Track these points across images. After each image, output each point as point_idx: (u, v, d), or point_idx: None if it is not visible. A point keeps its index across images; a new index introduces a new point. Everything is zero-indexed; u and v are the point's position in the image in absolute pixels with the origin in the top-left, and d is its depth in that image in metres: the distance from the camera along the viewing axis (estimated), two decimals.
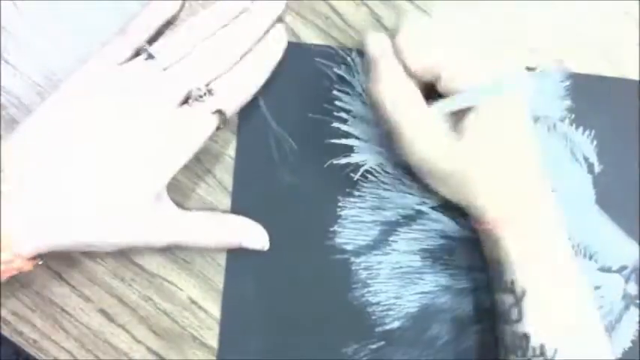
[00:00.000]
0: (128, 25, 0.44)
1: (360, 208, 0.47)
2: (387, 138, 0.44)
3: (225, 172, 0.47)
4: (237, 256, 0.46)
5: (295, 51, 0.46)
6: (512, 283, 0.40)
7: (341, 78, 0.46)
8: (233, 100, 0.43)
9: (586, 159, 0.48)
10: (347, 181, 0.46)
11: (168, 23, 0.46)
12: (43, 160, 0.40)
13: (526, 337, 0.40)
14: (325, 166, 0.46)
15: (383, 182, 0.47)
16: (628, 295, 0.47)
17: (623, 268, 0.47)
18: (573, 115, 0.48)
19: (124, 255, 0.46)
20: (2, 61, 0.46)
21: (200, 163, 0.46)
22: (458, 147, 0.39)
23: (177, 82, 0.42)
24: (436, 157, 0.40)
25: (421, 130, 0.40)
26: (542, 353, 0.39)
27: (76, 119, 0.40)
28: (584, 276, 0.41)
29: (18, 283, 0.45)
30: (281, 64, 0.46)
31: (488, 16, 0.48)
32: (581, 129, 0.48)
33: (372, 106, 0.41)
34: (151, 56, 0.42)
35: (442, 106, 0.40)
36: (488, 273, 0.43)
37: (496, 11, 0.48)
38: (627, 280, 0.47)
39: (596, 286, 0.47)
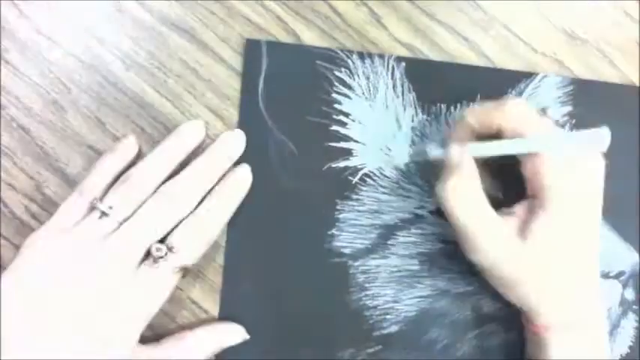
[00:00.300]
0: (84, 181, 0.43)
1: (358, 211, 0.46)
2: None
3: None
4: (235, 258, 0.46)
5: (295, 53, 0.46)
6: None
7: (341, 81, 0.46)
8: (195, 253, 0.42)
9: None
10: (345, 185, 0.46)
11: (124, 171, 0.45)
12: (11, 331, 0.39)
13: None
14: (324, 169, 0.46)
15: (381, 186, 0.46)
16: (626, 300, 0.47)
17: (621, 274, 0.47)
18: (574, 121, 0.48)
19: None
20: (2, 61, 0.45)
21: None
22: (522, 252, 0.40)
23: (134, 241, 0.41)
24: (499, 261, 0.40)
25: (487, 234, 0.40)
26: None
27: (38, 291, 0.39)
28: None
29: None
30: (280, 67, 0.46)
31: (485, 17, 0.48)
32: None
33: (438, 204, 0.41)
34: (104, 214, 0.41)
35: (483, 148, 0.41)
36: None
37: (496, 11, 0.48)
38: (625, 286, 0.47)
39: None
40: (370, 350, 0.46)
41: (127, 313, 0.40)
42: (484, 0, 0.48)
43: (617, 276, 0.47)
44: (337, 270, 0.46)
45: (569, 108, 0.48)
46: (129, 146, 0.45)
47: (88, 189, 0.42)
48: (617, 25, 0.49)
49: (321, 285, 0.46)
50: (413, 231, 0.47)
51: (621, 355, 0.48)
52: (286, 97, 0.46)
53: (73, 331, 0.39)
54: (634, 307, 0.48)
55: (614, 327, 0.47)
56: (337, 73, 0.46)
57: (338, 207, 0.46)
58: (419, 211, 0.47)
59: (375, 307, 0.47)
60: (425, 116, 0.47)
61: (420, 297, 0.47)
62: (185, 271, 0.42)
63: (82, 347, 0.39)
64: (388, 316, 0.47)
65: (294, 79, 0.46)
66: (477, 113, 0.42)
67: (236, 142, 0.45)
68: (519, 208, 0.41)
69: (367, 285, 0.46)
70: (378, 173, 0.47)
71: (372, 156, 0.46)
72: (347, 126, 0.46)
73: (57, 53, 0.46)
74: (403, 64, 0.47)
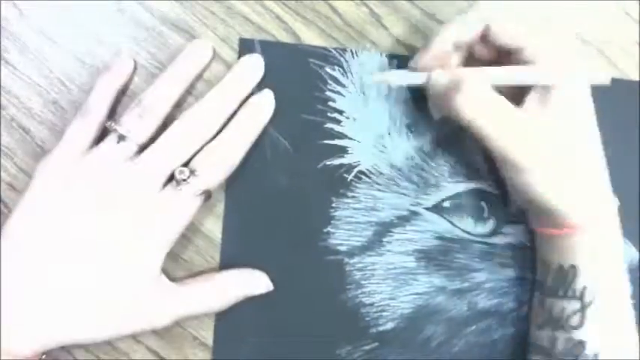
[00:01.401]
0: (86, 103, 0.43)
1: (353, 209, 0.47)
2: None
3: None
4: (231, 256, 0.46)
5: (288, 52, 0.46)
6: (584, 290, 0.41)
7: (334, 79, 0.47)
8: (217, 177, 0.43)
9: None
10: (340, 182, 0.46)
11: (124, 90, 0.46)
12: (32, 261, 0.40)
13: (582, 344, 0.40)
14: (319, 167, 0.46)
15: (377, 183, 0.47)
16: None
17: None
18: None
19: None
20: (2, 61, 0.46)
21: None
22: (554, 138, 0.40)
23: (156, 166, 0.41)
24: (542, 151, 0.40)
25: (521, 133, 0.40)
26: None
27: (58, 218, 0.40)
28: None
29: None
30: (274, 65, 0.46)
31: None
32: None
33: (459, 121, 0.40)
34: (122, 138, 0.41)
35: (498, 75, 0.41)
36: (548, 280, 0.43)
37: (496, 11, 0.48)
38: None
39: None
40: (367, 347, 0.47)
41: (151, 236, 0.41)
42: (484, 0, 0.48)
43: None
44: (333, 268, 0.46)
45: None
46: (124, 62, 0.45)
47: (93, 111, 0.43)
48: (617, 25, 0.49)
49: (318, 283, 0.46)
50: (408, 228, 0.47)
51: None
52: (280, 95, 0.46)
53: (94, 256, 0.40)
54: (632, 301, 0.47)
55: None
56: (330, 71, 0.47)
57: (333, 204, 0.46)
58: (414, 208, 0.47)
59: (371, 305, 0.47)
60: (419, 112, 0.47)
61: (416, 294, 0.47)
62: (207, 196, 0.43)
63: (104, 271, 0.40)
64: (384, 314, 0.47)
65: (288, 78, 0.46)
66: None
67: (255, 66, 0.45)
68: (531, 97, 0.41)
69: (363, 282, 0.47)
70: (373, 170, 0.47)
71: (366, 153, 0.47)
72: (341, 123, 0.47)
73: (57, 53, 0.46)
74: (396, 61, 0.47)
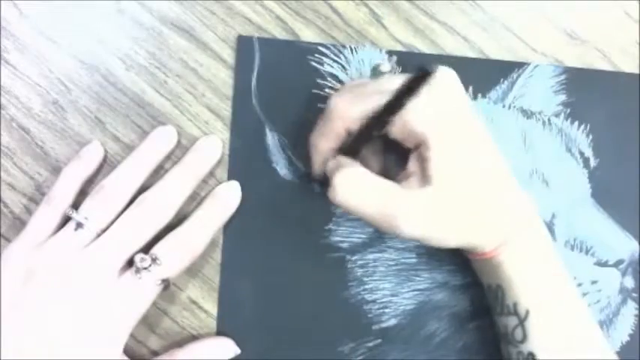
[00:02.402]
0: (51, 190, 0.43)
1: None
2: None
3: (220, 172, 0.47)
4: (233, 255, 0.46)
5: (287, 49, 0.47)
6: (515, 305, 0.41)
7: (333, 76, 0.47)
8: (179, 266, 0.42)
9: (581, 153, 0.48)
10: None
11: (92, 180, 0.45)
12: None
13: (532, 355, 0.40)
14: None
15: None
16: (625, 288, 0.47)
17: (620, 262, 0.47)
18: (568, 110, 0.48)
19: None
20: (2, 61, 0.46)
21: None
22: (435, 199, 0.39)
23: (114, 251, 0.41)
24: (422, 222, 0.39)
25: (400, 206, 0.39)
26: None
27: (18, 310, 0.39)
28: (576, 287, 0.42)
29: None
30: (273, 63, 0.46)
31: (485, 17, 0.49)
32: (576, 123, 0.48)
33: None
34: (80, 225, 0.41)
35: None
36: (487, 298, 0.44)
37: (496, 11, 0.48)
38: (624, 274, 0.47)
39: (593, 280, 0.47)
40: (370, 344, 0.46)
41: (110, 324, 0.40)
42: (484, 0, 0.48)
43: (616, 264, 0.47)
44: (335, 265, 0.46)
45: (562, 97, 0.48)
46: (94, 151, 0.45)
47: (57, 198, 0.42)
48: (617, 25, 0.49)
49: (320, 280, 0.46)
50: None
51: (622, 342, 0.47)
52: (279, 92, 0.46)
53: (54, 346, 0.39)
54: (633, 294, 0.47)
55: (614, 315, 0.47)
56: (329, 68, 0.47)
57: None
58: None
59: (373, 301, 0.47)
60: None
61: (419, 290, 0.47)
62: (166, 285, 0.42)
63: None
64: (387, 310, 0.47)
65: (287, 75, 0.46)
66: (320, 135, 0.42)
67: (211, 146, 0.45)
68: (411, 165, 0.41)
69: (365, 279, 0.46)
70: None
71: None
72: None
73: (57, 53, 0.46)
74: (395, 57, 0.47)
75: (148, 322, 0.46)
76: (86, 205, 0.42)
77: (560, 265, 0.42)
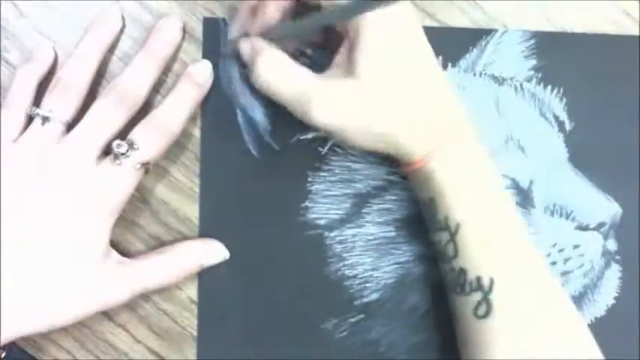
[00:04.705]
0: (8, 95, 0.43)
1: (330, 182, 0.47)
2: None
3: (192, 155, 0.47)
4: (210, 237, 0.46)
5: None
6: (446, 219, 0.40)
7: (302, 53, 0.46)
8: (157, 149, 0.42)
9: (556, 117, 0.47)
10: (315, 156, 0.47)
11: (50, 75, 0.45)
12: None
13: (463, 271, 0.40)
14: (292, 141, 0.46)
15: (351, 154, 0.47)
16: (608, 251, 0.47)
17: (602, 225, 0.47)
18: (540, 74, 0.47)
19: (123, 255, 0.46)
20: (2, 61, 0.46)
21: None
22: (361, 89, 0.39)
23: (87, 140, 0.41)
24: (342, 110, 0.39)
25: (320, 92, 0.39)
26: (480, 286, 0.39)
27: None
28: (514, 206, 0.42)
29: None
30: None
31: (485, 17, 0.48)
32: (549, 87, 0.47)
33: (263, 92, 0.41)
34: (46, 119, 0.41)
35: (294, 26, 0.41)
36: (424, 215, 0.43)
37: (496, 11, 0.48)
38: (606, 237, 0.47)
39: (575, 244, 0.46)
40: (352, 320, 0.46)
41: (92, 212, 0.41)
42: (484, 0, 0.48)
43: (598, 227, 0.47)
44: (313, 242, 0.46)
45: (533, 61, 0.47)
46: (45, 52, 0.45)
47: (16, 100, 0.43)
48: (617, 24, 0.48)
49: (299, 258, 0.46)
50: (387, 197, 0.47)
51: (607, 305, 0.47)
52: (248, 71, 0.46)
53: (38, 241, 0.40)
54: (616, 257, 0.47)
55: (598, 279, 0.47)
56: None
57: (309, 179, 0.47)
58: (391, 177, 0.47)
59: (354, 277, 0.46)
60: None
61: (399, 263, 0.47)
62: (147, 168, 0.42)
63: (50, 255, 0.40)
64: (368, 285, 0.46)
65: None
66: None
67: (172, 27, 0.45)
68: (338, 56, 0.40)
69: (345, 255, 0.46)
70: None
71: None
72: None
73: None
74: None
75: (147, 322, 0.47)
76: (47, 99, 0.42)
77: (497, 181, 0.41)
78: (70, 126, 0.42)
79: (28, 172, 0.40)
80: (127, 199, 0.42)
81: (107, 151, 0.41)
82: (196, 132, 0.47)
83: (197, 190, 0.47)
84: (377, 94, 0.39)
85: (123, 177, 0.41)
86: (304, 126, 0.44)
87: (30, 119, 0.42)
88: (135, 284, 0.42)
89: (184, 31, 0.46)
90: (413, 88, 0.39)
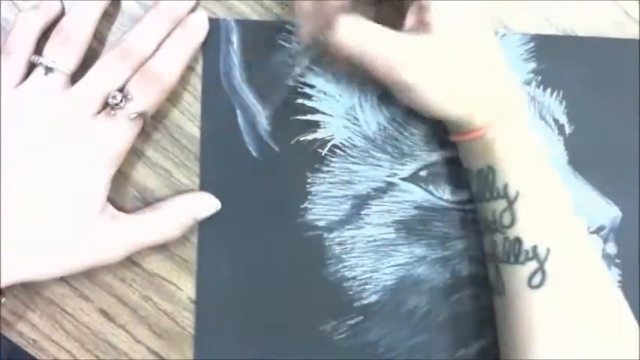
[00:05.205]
0: (7, 41, 0.42)
1: (329, 183, 0.47)
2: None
3: (192, 155, 0.47)
4: (209, 238, 0.46)
5: (255, 29, 0.47)
6: (506, 187, 0.40)
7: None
8: (152, 99, 0.42)
9: (556, 121, 0.47)
10: (315, 157, 0.47)
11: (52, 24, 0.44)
12: None
13: (519, 240, 0.40)
14: (292, 143, 0.46)
15: (351, 156, 0.47)
16: (607, 255, 0.46)
17: (601, 228, 0.46)
18: (540, 77, 0.47)
19: None
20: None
21: (166, 148, 0.47)
22: (433, 48, 0.40)
23: (89, 92, 0.41)
24: (420, 69, 0.40)
25: (397, 47, 0.40)
26: (536, 255, 0.39)
27: None
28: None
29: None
30: (242, 43, 0.46)
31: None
32: (548, 90, 0.47)
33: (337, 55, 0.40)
34: (49, 69, 0.41)
35: None
36: (474, 187, 0.43)
37: (496, 11, 0.48)
38: (606, 241, 0.46)
39: None
40: (351, 322, 0.46)
41: (89, 164, 0.41)
42: (484, 0, 0.48)
43: (597, 231, 0.46)
44: (313, 243, 0.46)
45: (532, 64, 0.47)
46: (51, 3, 0.44)
47: (17, 47, 0.42)
48: (617, 25, 0.48)
49: (298, 259, 0.46)
50: (386, 199, 0.47)
51: None
52: (248, 72, 0.46)
53: (35, 190, 0.40)
54: (616, 260, 0.46)
55: None
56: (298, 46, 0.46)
57: (309, 180, 0.47)
58: (391, 179, 0.47)
59: (353, 278, 0.46)
60: None
61: (398, 265, 0.46)
62: (145, 118, 0.42)
63: (47, 204, 0.40)
64: (367, 286, 0.46)
65: (256, 55, 0.46)
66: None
67: None
68: (409, 20, 0.41)
69: (344, 256, 0.46)
70: (347, 143, 0.47)
71: (339, 126, 0.47)
72: (312, 98, 0.47)
73: None
74: None
75: (147, 322, 0.47)
76: (50, 48, 0.42)
77: (549, 156, 0.41)
78: (75, 77, 0.42)
79: (29, 120, 0.41)
80: (125, 151, 0.42)
81: (104, 104, 0.41)
82: (197, 132, 0.47)
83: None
84: (454, 53, 0.40)
85: (119, 128, 0.41)
86: (304, 127, 0.45)
87: (31, 67, 0.42)
88: (130, 239, 0.43)
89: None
90: (483, 54, 0.41)
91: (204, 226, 0.46)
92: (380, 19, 0.40)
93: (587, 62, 0.47)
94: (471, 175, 0.43)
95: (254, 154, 0.46)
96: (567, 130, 0.47)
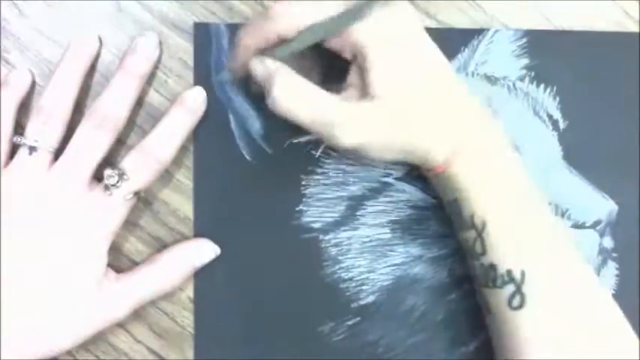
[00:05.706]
0: None
1: (324, 185, 0.47)
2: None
3: (191, 155, 0.47)
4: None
5: None
6: (472, 217, 0.40)
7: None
8: (148, 178, 0.43)
9: (550, 116, 0.47)
10: (309, 159, 0.47)
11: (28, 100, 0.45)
12: None
13: (493, 267, 0.40)
14: (285, 145, 0.46)
15: (345, 157, 0.47)
16: (604, 249, 0.46)
17: (597, 223, 0.46)
18: (533, 73, 0.47)
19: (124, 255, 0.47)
20: (2, 61, 0.46)
21: None
22: (379, 108, 0.39)
23: (75, 168, 0.41)
24: (365, 131, 0.39)
25: (339, 115, 0.39)
26: (512, 279, 0.39)
27: None
28: (541, 194, 0.41)
29: None
30: (230, 47, 0.46)
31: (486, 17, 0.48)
32: (542, 86, 0.47)
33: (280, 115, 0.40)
34: (33, 149, 0.41)
35: (286, 49, 0.40)
36: (450, 217, 0.43)
37: (496, 11, 0.48)
38: (602, 235, 0.46)
39: None
40: (349, 323, 0.46)
41: (87, 240, 0.41)
42: (484, 0, 0.48)
43: (594, 225, 0.46)
44: (309, 245, 0.46)
45: (525, 60, 0.47)
46: (21, 76, 0.45)
47: None
48: (617, 25, 0.48)
49: (294, 262, 0.46)
50: (381, 199, 0.47)
51: None
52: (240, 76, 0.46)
53: (36, 272, 0.40)
54: (613, 254, 0.46)
55: None
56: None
57: (303, 182, 0.47)
58: (385, 179, 0.47)
59: (350, 279, 0.46)
60: None
61: (395, 265, 0.46)
62: (138, 197, 0.43)
63: (49, 286, 0.40)
64: (364, 287, 0.46)
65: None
66: (250, 32, 0.41)
67: (149, 45, 0.45)
68: (351, 77, 0.40)
69: (340, 258, 0.46)
70: None
71: None
72: None
73: (57, 53, 0.46)
74: None
75: (147, 321, 0.47)
76: (31, 128, 0.42)
77: (521, 173, 0.41)
78: (57, 152, 0.42)
79: (20, 201, 0.41)
80: (120, 226, 0.42)
81: (98, 175, 0.42)
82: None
83: (191, 195, 0.47)
84: (396, 110, 0.39)
85: (114, 206, 0.42)
86: (297, 129, 0.44)
87: (14, 147, 0.42)
88: (132, 299, 0.43)
89: (161, 46, 0.46)
90: (428, 96, 0.39)
91: (199, 230, 0.46)
92: (325, 72, 0.41)
93: (580, 57, 0.47)
94: (444, 204, 0.43)
95: (247, 157, 0.46)
96: (561, 125, 0.47)
